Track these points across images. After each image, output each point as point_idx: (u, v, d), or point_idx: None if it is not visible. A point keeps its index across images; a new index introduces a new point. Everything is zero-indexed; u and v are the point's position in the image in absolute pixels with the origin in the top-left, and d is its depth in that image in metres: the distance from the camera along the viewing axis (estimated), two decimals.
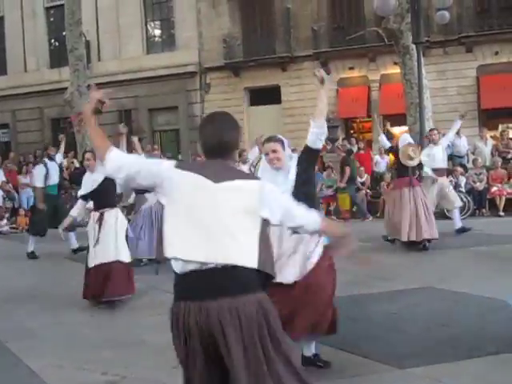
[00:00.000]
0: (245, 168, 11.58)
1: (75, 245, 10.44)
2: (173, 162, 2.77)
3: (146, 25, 25.16)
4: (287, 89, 22.68)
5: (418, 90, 14.69)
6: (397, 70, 18.12)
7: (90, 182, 6.79)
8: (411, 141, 9.93)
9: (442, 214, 13.49)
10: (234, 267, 2.55)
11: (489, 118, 20.13)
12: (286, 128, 22.12)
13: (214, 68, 23.48)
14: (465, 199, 13.48)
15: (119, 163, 2.79)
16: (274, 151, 4.24)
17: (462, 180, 14.43)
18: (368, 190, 15.74)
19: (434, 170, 10.42)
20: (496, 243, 9.53)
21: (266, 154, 4.29)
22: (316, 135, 4.28)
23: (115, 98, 24.59)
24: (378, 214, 14.74)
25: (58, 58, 25.13)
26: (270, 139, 4.34)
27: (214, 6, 23.45)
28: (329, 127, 16.59)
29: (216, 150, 2.77)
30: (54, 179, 10.74)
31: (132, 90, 24.24)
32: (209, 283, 2.54)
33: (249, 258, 2.58)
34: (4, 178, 16.29)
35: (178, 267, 2.60)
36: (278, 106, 22.97)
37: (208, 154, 2.80)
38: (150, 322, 5.80)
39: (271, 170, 4.27)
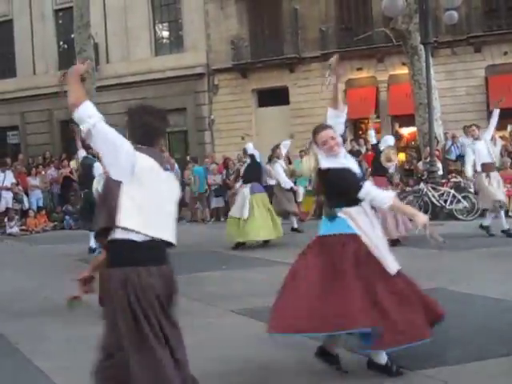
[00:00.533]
0: (281, 162, 11.99)
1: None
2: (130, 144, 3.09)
3: (154, 27, 25.22)
4: (295, 90, 22.67)
5: (426, 91, 14.66)
6: (405, 70, 18.09)
7: None
8: (392, 144, 10.35)
9: (450, 215, 13.49)
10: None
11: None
12: (295, 129, 22.06)
13: (222, 69, 23.50)
14: (474, 200, 13.43)
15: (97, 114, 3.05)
16: (333, 138, 4.23)
17: (471, 180, 14.35)
18: None
19: (482, 165, 10.42)
20: (507, 244, 9.49)
21: (325, 143, 4.21)
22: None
23: (123, 100, 24.67)
24: None
25: (66, 60, 25.19)
26: (324, 127, 4.30)
27: (222, 8, 23.48)
28: None
29: (152, 138, 3.19)
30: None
31: (140, 92, 24.27)
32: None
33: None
34: (14, 180, 16.37)
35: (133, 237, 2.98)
36: (286, 107, 22.95)
37: (144, 141, 3.15)
38: None
39: (332, 158, 4.21)
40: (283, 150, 12.53)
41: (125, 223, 2.96)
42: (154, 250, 3.02)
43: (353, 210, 4.19)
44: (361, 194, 4.08)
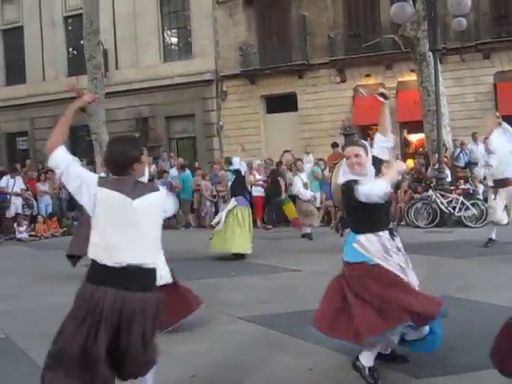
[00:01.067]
0: (303, 176, 12.48)
1: None
2: (95, 179, 3.38)
3: (162, 33, 25.35)
4: (303, 96, 22.70)
5: (434, 98, 14.66)
6: (413, 77, 18.09)
7: None
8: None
9: (458, 222, 13.46)
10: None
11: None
12: (303, 135, 22.16)
13: (231, 76, 23.58)
14: (482, 207, 13.40)
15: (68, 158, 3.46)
16: (357, 155, 4.20)
17: (480, 187, 14.34)
18: None
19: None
20: None
21: (348, 158, 4.24)
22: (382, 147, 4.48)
23: (132, 106, 24.80)
24: (395, 222, 14.70)
25: (76, 66, 25.38)
26: (352, 143, 4.35)
27: (231, 15, 23.57)
28: (345, 135, 16.94)
29: (120, 166, 3.43)
30: None
31: (149, 98, 24.41)
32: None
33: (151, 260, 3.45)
34: (23, 186, 16.48)
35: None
36: (294, 114, 22.99)
37: (114, 171, 3.46)
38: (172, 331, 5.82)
39: (350, 175, 4.22)
40: (306, 165, 13.65)
41: (90, 254, 3.37)
42: (116, 276, 3.31)
43: (363, 238, 4.22)
44: (359, 198, 4.06)
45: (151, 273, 3.41)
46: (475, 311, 6.09)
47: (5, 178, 16.37)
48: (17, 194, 16.12)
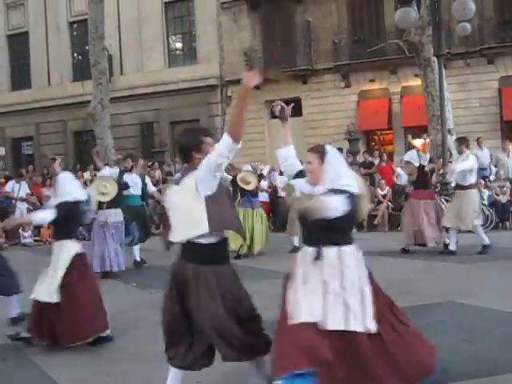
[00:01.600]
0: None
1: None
2: None
3: (167, 38, 25.45)
4: (308, 101, 22.73)
5: (439, 103, 14.63)
6: (418, 81, 18.08)
7: None
8: (408, 159, 10.94)
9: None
10: None
11: (511, 129, 19.97)
12: (307, 140, 22.09)
13: (235, 81, 23.56)
14: (487, 212, 13.38)
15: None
16: (309, 162, 3.78)
17: (485, 193, 14.31)
18: (389, 203, 15.69)
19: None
20: None
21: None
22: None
23: (137, 112, 24.87)
24: (400, 228, 14.67)
25: (81, 71, 25.51)
26: (311, 148, 3.86)
27: (235, 20, 23.63)
28: (350, 140, 17.01)
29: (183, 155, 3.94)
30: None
31: (154, 103, 24.48)
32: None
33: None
34: (28, 191, 16.52)
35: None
36: (298, 119, 22.98)
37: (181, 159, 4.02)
38: None
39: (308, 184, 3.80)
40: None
41: None
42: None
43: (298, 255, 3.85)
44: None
45: (201, 247, 3.72)
46: (479, 317, 6.07)
47: (10, 183, 16.42)
48: (22, 199, 16.16)
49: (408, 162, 10.98)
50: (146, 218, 11.15)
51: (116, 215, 9.57)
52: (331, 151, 3.78)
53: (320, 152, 3.75)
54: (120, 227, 9.67)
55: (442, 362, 3.80)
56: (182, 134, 4.00)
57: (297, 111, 22.93)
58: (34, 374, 5.05)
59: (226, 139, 3.62)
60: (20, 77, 27.92)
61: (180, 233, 3.80)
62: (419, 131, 19.09)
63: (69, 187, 5.82)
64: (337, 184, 3.63)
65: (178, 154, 4.05)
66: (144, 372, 4.81)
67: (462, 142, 10.80)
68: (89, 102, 19.38)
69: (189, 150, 3.84)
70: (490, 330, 5.58)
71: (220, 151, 3.62)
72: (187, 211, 3.73)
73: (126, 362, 5.08)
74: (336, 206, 3.46)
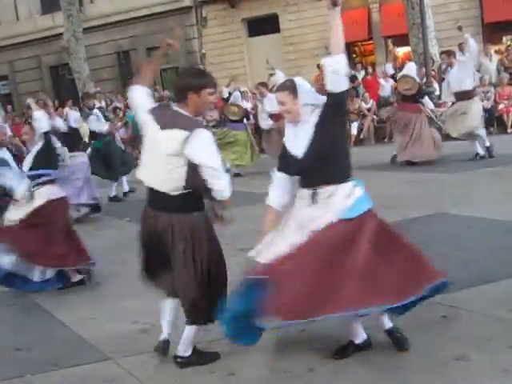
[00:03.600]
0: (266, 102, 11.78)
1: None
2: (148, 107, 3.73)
3: None
4: (285, 17, 22.18)
5: (419, 10, 14.37)
6: None
7: None
8: (407, 72, 10.75)
9: (448, 136, 13.49)
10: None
11: (493, 31, 19.68)
12: (287, 57, 21.82)
13: (210, 1, 22.94)
14: None
15: None
16: (282, 103, 3.60)
17: None
18: (374, 116, 15.67)
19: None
20: (507, 163, 9.44)
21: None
22: (331, 74, 3.46)
23: (112, 41, 24.21)
24: (386, 140, 14.76)
25: (49, 3, 24.60)
26: (277, 88, 3.71)
27: None
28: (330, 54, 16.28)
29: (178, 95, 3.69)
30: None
31: (128, 31, 23.79)
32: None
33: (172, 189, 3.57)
34: (10, 133, 16.25)
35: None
36: (277, 36, 22.53)
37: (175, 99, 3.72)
38: None
39: (291, 125, 3.66)
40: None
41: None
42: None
43: None
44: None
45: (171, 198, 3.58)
46: (471, 227, 6.21)
47: None
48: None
49: (407, 76, 10.74)
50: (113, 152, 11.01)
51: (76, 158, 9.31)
52: (300, 82, 3.64)
53: (290, 88, 3.57)
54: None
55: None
56: (187, 71, 3.92)
57: (274, 28, 22.45)
58: (42, 318, 5.18)
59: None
60: None
61: (151, 179, 3.67)
62: (400, 40, 18.85)
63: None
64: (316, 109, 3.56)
65: (175, 88, 3.82)
66: (148, 306, 4.93)
67: (449, 54, 10.74)
68: (61, 34, 18.84)
69: (188, 88, 3.58)
70: (480, 239, 5.74)
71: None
72: (164, 165, 3.54)
73: (130, 299, 5.17)
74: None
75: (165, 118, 3.61)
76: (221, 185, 3.46)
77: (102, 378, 3.85)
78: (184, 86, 3.62)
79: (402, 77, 11.00)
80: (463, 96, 10.29)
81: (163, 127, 3.57)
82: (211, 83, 3.63)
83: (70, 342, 4.51)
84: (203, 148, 3.48)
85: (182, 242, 3.59)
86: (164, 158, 3.52)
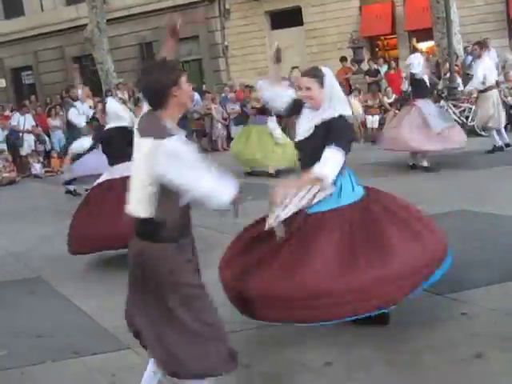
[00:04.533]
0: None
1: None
2: None
3: None
4: (308, 9, 22.06)
5: (444, 4, 14.21)
6: None
7: None
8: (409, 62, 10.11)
9: (471, 131, 13.37)
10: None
11: None
12: (310, 50, 21.74)
13: None
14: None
15: None
16: (307, 88, 3.71)
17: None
18: (396, 111, 15.53)
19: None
20: None
21: (300, 89, 3.78)
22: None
23: (135, 32, 24.30)
24: None
25: None
26: (305, 73, 3.78)
27: None
28: (353, 48, 16.33)
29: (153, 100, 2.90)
30: None
31: (151, 23, 23.84)
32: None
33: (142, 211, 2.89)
34: (33, 122, 16.45)
35: None
36: (300, 28, 22.43)
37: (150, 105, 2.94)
38: None
39: (309, 110, 3.78)
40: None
41: None
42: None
43: None
44: None
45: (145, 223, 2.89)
46: (492, 224, 6.14)
47: (15, 116, 16.31)
48: (28, 132, 16.14)
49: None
50: None
51: None
52: (327, 73, 3.74)
53: (318, 76, 3.69)
54: None
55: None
56: (151, 70, 2.89)
57: (298, 20, 22.35)
58: (62, 305, 5.25)
59: None
60: (11, 4, 27.13)
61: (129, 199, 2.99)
62: (424, 35, 18.67)
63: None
64: (332, 109, 3.64)
65: (148, 96, 2.89)
66: None
67: (482, 46, 10.67)
68: (85, 25, 18.95)
69: (167, 87, 2.81)
70: (502, 237, 5.67)
71: None
72: (137, 183, 2.93)
73: None
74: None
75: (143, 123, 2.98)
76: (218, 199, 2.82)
77: (120, 366, 3.90)
78: (164, 83, 2.82)
79: None
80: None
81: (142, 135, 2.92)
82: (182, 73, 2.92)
83: (90, 330, 4.57)
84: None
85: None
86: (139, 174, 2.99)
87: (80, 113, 10.54)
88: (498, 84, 11.40)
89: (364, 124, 15.55)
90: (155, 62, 3.04)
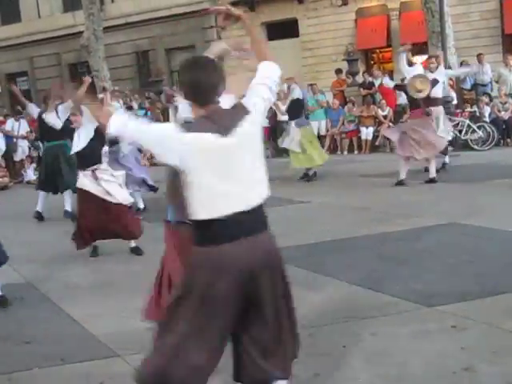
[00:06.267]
0: None
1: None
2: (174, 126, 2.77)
3: None
4: (304, 21, 22.18)
5: (439, 19, 14.32)
6: None
7: None
8: (418, 72, 10.00)
9: (465, 145, 13.47)
10: None
11: None
12: (305, 62, 21.83)
13: (230, 3, 22.90)
14: (489, 129, 13.35)
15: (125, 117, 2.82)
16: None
17: (487, 110, 14.22)
18: (391, 124, 15.61)
19: None
20: None
21: None
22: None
23: (131, 40, 24.35)
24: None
25: (70, 2, 24.80)
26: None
27: None
28: (348, 60, 16.43)
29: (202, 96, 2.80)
30: None
31: (147, 31, 23.91)
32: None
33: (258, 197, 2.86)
34: (28, 128, 16.42)
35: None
36: (296, 40, 22.54)
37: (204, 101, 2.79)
38: None
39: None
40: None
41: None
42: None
43: None
44: None
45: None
46: (483, 238, 6.16)
47: (9, 121, 16.30)
48: (23, 137, 16.11)
49: (421, 76, 9.79)
50: None
51: None
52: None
53: None
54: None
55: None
56: (204, 68, 2.82)
57: (294, 32, 22.46)
58: (51, 312, 5.21)
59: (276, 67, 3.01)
60: (8, 10, 27.16)
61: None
62: (419, 48, 18.78)
63: None
64: None
65: (202, 94, 2.80)
66: None
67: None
68: (81, 32, 18.98)
69: (218, 85, 2.84)
70: (492, 250, 5.70)
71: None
72: (246, 171, 2.78)
73: (139, 297, 5.16)
74: None
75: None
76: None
77: (109, 374, 3.86)
78: (218, 81, 2.85)
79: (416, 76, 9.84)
80: None
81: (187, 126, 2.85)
82: None
83: (79, 337, 4.54)
84: None
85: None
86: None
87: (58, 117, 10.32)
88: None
89: (358, 136, 15.64)
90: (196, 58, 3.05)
